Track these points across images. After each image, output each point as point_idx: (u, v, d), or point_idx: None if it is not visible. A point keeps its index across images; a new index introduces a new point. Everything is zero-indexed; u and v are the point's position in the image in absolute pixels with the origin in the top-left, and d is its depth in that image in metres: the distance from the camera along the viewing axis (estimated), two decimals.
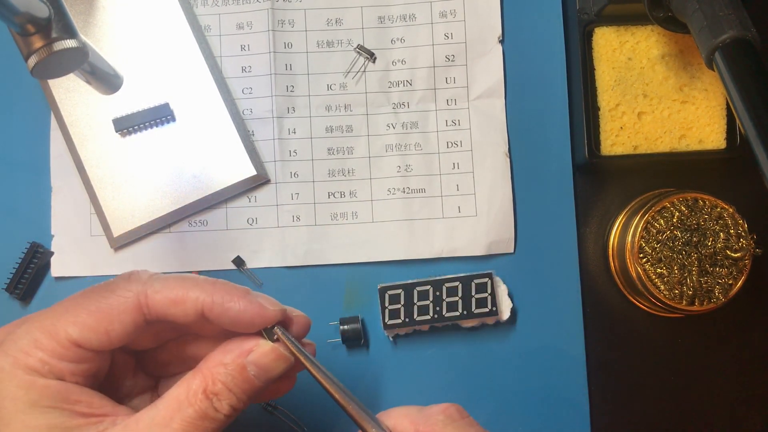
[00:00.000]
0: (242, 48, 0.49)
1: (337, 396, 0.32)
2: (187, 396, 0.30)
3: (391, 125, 0.49)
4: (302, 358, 0.33)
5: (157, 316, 0.31)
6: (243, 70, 0.49)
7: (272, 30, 0.48)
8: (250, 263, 0.47)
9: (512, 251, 0.48)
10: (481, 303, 0.46)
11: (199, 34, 0.48)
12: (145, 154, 0.47)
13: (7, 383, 0.28)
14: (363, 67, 0.49)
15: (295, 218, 0.48)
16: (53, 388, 0.29)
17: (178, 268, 0.47)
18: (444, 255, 0.47)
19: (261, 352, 0.32)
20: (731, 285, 0.44)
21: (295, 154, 0.48)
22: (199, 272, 0.47)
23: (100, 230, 0.47)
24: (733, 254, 0.44)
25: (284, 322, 0.34)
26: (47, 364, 0.29)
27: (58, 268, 0.47)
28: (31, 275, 0.46)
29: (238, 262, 0.47)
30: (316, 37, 0.49)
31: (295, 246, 0.47)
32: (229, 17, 0.49)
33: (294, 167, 0.48)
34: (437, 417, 0.31)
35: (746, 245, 0.44)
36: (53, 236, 0.47)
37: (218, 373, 0.31)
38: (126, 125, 0.47)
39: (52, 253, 0.47)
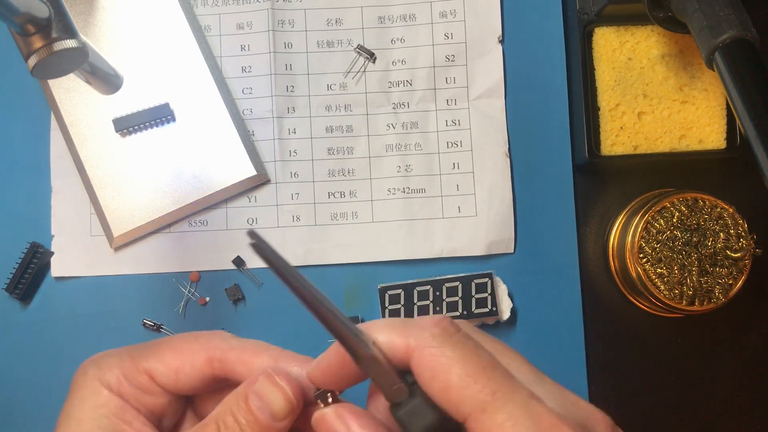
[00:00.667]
0: (242, 48, 0.49)
1: (315, 305, 0.29)
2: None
3: (391, 125, 0.49)
4: (278, 265, 0.28)
5: (225, 373, 0.32)
6: (243, 70, 0.49)
7: (272, 30, 0.48)
8: (250, 263, 0.47)
9: (512, 251, 0.48)
10: (481, 303, 0.46)
11: (199, 34, 0.48)
12: (145, 154, 0.47)
13: (83, 386, 0.32)
14: (363, 67, 0.49)
15: (295, 218, 0.48)
16: (114, 403, 0.31)
17: (178, 268, 0.47)
18: (444, 255, 0.47)
19: (260, 380, 0.31)
20: (731, 285, 0.44)
21: (295, 154, 0.48)
22: (199, 272, 0.47)
23: (100, 230, 0.47)
24: (733, 254, 0.44)
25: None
26: (120, 383, 0.32)
27: (58, 268, 0.47)
28: (31, 275, 0.46)
29: (238, 262, 0.47)
30: (316, 37, 0.49)
31: (295, 246, 0.47)
32: (229, 17, 0.49)
33: (294, 167, 0.48)
34: (431, 330, 0.27)
35: (746, 245, 0.44)
36: (53, 236, 0.47)
37: (228, 407, 0.31)
38: (126, 125, 0.47)
39: (52, 253, 0.47)
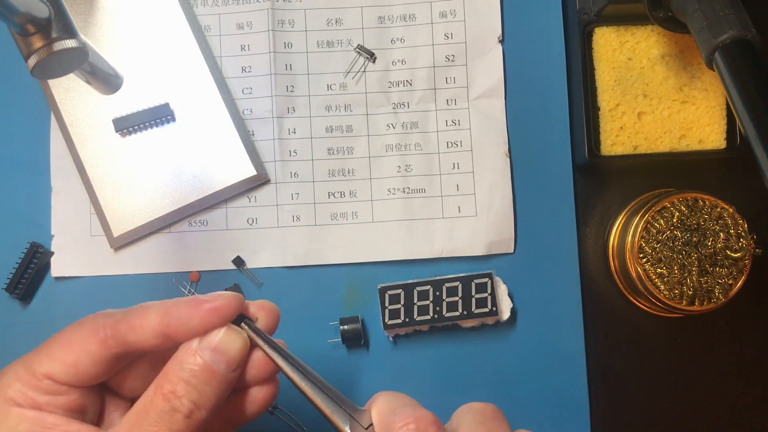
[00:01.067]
0: (242, 48, 0.49)
1: (303, 387, 0.29)
2: (144, 404, 0.29)
3: (391, 125, 0.49)
4: (263, 345, 0.30)
5: (123, 346, 0.31)
6: (243, 70, 0.49)
7: (272, 30, 0.48)
8: (250, 263, 0.47)
9: (512, 251, 0.48)
10: (481, 303, 0.46)
11: (199, 34, 0.48)
12: (145, 154, 0.47)
13: None
14: (363, 67, 0.49)
15: (295, 218, 0.48)
16: (28, 417, 0.30)
17: (178, 268, 0.47)
18: (444, 255, 0.47)
19: (212, 334, 0.30)
20: (731, 285, 0.44)
21: (295, 154, 0.48)
22: (199, 272, 0.47)
23: (100, 230, 0.47)
24: (733, 254, 0.44)
25: (250, 317, 0.33)
26: (25, 395, 0.31)
27: (58, 268, 0.47)
28: (31, 275, 0.46)
29: (238, 262, 0.47)
30: (316, 37, 0.49)
31: (295, 246, 0.47)
32: (229, 17, 0.49)
33: (294, 167, 0.48)
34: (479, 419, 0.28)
35: (746, 245, 0.44)
36: (53, 236, 0.47)
37: (172, 370, 0.30)
38: (126, 125, 0.47)
39: (52, 253, 0.47)
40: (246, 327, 0.31)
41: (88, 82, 0.43)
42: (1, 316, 0.47)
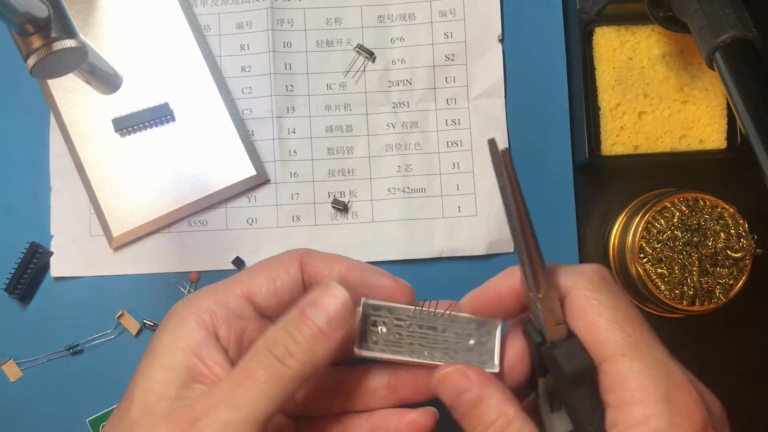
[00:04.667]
0: (242, 47, 0.49)
1: (528, 228, 0.29)
2: (249, 361, 0.30)
3: (390, 125, 0.49)
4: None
5: (311, 276, 0.34)
6: (242, 69, 0.49)
7: (271, 29, 0.48)
8: (250, 263, 0.47)
9: (512, 251, 0.48)
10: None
11: (199, 33, 0.48)
12: (145, 154, 0.47)
13: (170, 319, 0.33)
14: (362, 67, 0.49)
15: (295, 218, 0.48)
16: (193, 337, 0.32)
17: (177, 268, 0.47)
18: (444, 255, 0.47)
19: (317, 291, 0.31)
20: (732, 285, 0.44)
21: (294, 153, 0.48)
22: (199, 272, 0.47)
23: (99, 230, 0.47)
24: (733, 254, 0.44)
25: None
26: (212, 312, 0.32)
27: (57, 268, 0.47)
28: (30, 275, 0.46)
29: (238, 262, 0.47)
30: (315, 37, 0.49)
31: (295, 246, 0.47)
32: (228, 17, 0.49)
33: (294, 167, 0.48)
34: (590, 275, 0.29)
35: (747, 245, 0.44)
36: (53, 236, 0.47)
37: (279, 327, 0.31)
38: (125, 125, 0.46)
39: (51, 254, 0.47)
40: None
41: (88, 82, 0.43)
42: (0, 316, 0.47)
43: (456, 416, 0.31)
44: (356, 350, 0.33)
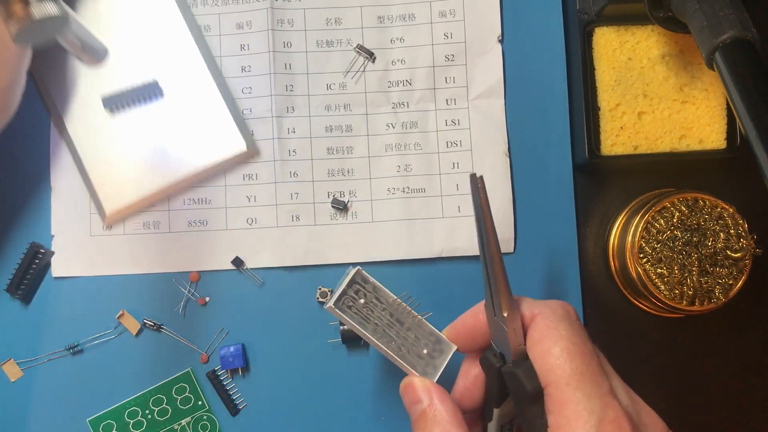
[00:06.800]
0: (242, 48, 0.49)
1: (496, 254, 0.33)
2: None
3: (390, 125, 0.49)
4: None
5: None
6: (242, 69, 0.49)
7: (271, 29, 0.48)
8: (250, 263, 0.47)
9: (512, 251, 0.48)
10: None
11: (198, 33, 0.48)
12: (135, 131, 0.47)
13: None
14: (362, 67, 0.49)
15: (295, 218, 0.48)
16: None
17: (177, 268, 0.47)
18: (444, 255, 0.47)
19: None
20: (731, 285, 0.44)
21: (294, 153, 0.48)
22: (199, 272, 0.47)
23: (100, 230, 0.47)
24: (733, 254, 0.44)
25: None
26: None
27: (58, 268, 0.47)
28: (32, 276, 0.46)
29: (237, 262, 0.47)
30: (315, 37, 0.49)
31: (295, 246, 0.47)
32: (228, 17, 0.49)
33: (293, 167, 0.48)
34: (555, 308, 0.32)
35: (746, 245, 0.44)
36: (53, 236, 0.47)
37: None
38: (115, 103, 0.47)
39: (52, 254, 0.47)
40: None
41: (74, 53, 0.43)
42: (2, 317, 0.47)
43: (411, 423, 0.34)
44: (328, 304, 0.35)
